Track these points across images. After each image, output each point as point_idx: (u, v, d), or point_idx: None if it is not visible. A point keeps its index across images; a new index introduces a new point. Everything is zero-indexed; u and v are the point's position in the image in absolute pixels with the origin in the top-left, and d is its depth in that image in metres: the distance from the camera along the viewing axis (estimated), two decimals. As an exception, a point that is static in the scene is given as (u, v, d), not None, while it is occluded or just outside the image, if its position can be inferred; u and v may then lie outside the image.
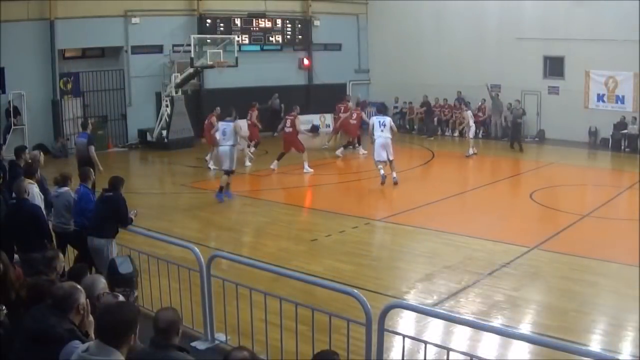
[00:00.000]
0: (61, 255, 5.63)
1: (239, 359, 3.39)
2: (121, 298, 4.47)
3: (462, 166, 18.41)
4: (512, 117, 20.98)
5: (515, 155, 19.89)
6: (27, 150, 10.38)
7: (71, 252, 8.12)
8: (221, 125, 14.05)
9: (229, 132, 13.63)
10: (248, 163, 17.61)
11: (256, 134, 18.87)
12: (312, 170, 16.71)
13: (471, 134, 19.55)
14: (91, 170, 8.73)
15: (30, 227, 7.06)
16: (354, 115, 19.89)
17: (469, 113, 19.89)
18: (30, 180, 8.03)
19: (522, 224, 11.83)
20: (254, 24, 23.68)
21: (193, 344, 6.47)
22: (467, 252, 9.89)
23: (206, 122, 17.70)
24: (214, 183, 16.06)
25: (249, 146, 18.13)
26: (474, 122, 20.04)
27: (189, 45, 20.03)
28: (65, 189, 8.08)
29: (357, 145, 20.21)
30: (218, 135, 14.31)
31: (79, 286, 4.07)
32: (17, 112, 19.14)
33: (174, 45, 21.43)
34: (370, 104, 26.27)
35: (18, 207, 7.28)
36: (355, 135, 20.19)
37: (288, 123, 16.88)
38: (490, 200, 14.15)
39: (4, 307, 4.51)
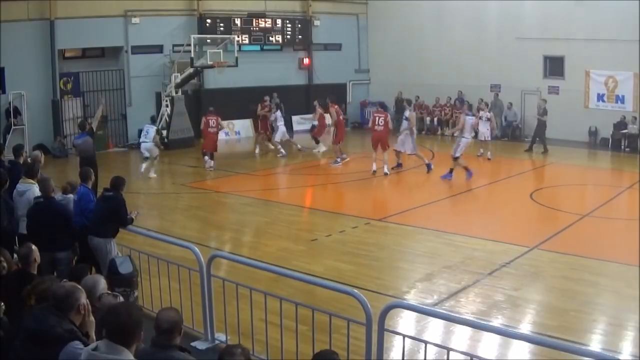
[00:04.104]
0: (34, 247, 5.51)
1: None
2: (121, 298, 4.47)
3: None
4: (537, 115, 19.96)
5: (514, 155, 19.88)
6: (24, 150, 10.34)
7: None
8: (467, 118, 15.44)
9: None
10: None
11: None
12: (212, 167, 17.27)
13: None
14: (91, 170, 8.70)
15: (57, 226, 7.05)
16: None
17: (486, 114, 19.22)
18: (32, 181, 8.03)
19: (522, 224, 11.83)
20: (254, 24, 23.68)
21: (193, 344, 6.47)
22: (467, 252, 9.89)
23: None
24: (213, 183, 16.10)
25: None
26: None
27: (189, 45, 20.03)
28: (70, 196, 8.07)
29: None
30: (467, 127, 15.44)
31: (79, 286, 4.07)
32: (17, 112, 19.15)
33: (174, 45, 21.45)
34: (370, 104, 26.34)
35: (46, 206, 7.23)
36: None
37: (213, 123, 17.43)
38: (490, 200, 14.16)
39: (2, 304, 4.51)
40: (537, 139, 19.96)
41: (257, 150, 19.77)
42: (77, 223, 7.87)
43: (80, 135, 13.08)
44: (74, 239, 7.34)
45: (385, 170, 15.94)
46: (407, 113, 16.59)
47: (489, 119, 19.01)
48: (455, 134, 15.71)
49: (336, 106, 18.08)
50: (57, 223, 7.08)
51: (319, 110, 19.30)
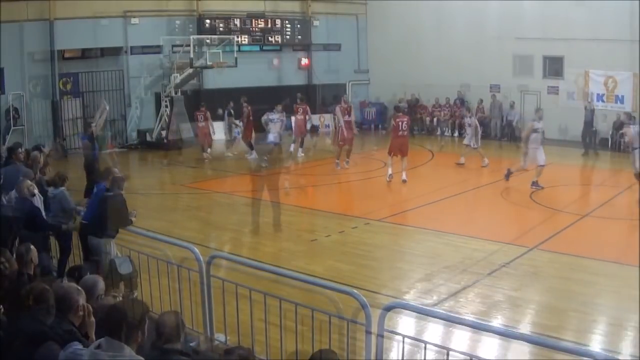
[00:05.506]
0: (33, 247, 5.51)
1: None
2: (120, 299, 4.46)
3: (461, 166, 18.38)
4: (585, 116, 19.37)
5: (513, 155, 19.83)
6: (20, 149, 10.21)
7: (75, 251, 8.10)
8: None
9: None
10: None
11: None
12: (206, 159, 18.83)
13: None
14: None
15: (26, 228, 7.00)
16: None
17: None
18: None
19: (522, 224, 11.82)
20: (253, 24, 23.69)
21: (193, 344, 6.46)
22: (466, 252, 9.88)
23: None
24: (213, 183, 16.09)
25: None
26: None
27: (189, 45, 20.04)
28: (61, 189, 8.05)
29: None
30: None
31: (78, 287, 4.06)
32: (17, 112, 19.14)
33: (173, 46, 21.44)
34: (370, 104, 26.34)
35: (18, 206, 7.23)
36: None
37: (201, 117, 18.95)
38: (489, 201, 14.15)
39: (1, 307, 4.50)
40: (587, 139, 19.43)
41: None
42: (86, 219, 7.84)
43: (82, 137, 13.19)
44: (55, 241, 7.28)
45: (404, 177, 15.13)
46: (539, 124, 14.67)
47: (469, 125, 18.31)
48: (629, 148, 13.97)
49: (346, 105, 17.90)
50: (25, 225, 7.00)
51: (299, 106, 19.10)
